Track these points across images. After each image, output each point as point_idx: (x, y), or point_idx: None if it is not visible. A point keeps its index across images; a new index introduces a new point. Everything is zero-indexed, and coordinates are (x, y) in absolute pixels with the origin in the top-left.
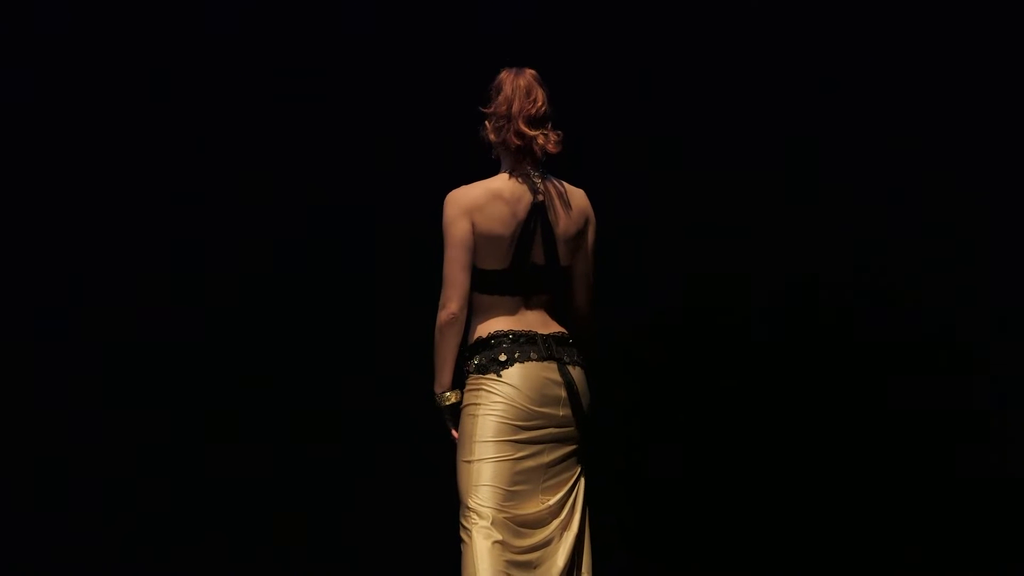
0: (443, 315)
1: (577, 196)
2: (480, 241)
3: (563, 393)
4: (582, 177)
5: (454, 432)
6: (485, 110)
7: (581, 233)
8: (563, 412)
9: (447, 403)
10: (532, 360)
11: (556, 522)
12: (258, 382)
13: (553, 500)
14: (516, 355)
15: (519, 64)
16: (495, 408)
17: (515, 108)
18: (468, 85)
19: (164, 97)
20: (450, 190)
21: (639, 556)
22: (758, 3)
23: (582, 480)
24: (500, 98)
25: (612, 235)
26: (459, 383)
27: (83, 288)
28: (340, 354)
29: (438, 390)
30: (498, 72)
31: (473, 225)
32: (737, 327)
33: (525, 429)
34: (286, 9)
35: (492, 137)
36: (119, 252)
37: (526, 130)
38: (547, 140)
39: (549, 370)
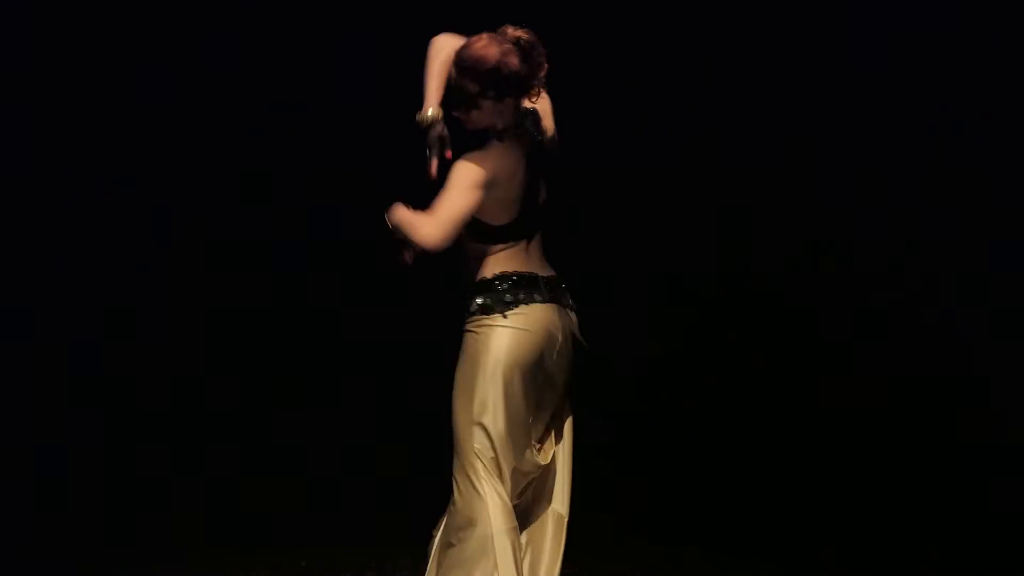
0: (429, 241)
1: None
2: (491, 204)
3: (560, 337)
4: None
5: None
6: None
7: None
8: (557, 358)
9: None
10: (537, 302)
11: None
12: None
13: (541, 449)
14: (521, 296)
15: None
16: (499, 353)
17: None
18: None
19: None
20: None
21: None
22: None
23: (569, 424)
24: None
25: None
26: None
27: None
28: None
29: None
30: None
31: (485, 195)
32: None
33: (530, 373)
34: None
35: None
36: (118, 251)
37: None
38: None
39: (551, 311)
